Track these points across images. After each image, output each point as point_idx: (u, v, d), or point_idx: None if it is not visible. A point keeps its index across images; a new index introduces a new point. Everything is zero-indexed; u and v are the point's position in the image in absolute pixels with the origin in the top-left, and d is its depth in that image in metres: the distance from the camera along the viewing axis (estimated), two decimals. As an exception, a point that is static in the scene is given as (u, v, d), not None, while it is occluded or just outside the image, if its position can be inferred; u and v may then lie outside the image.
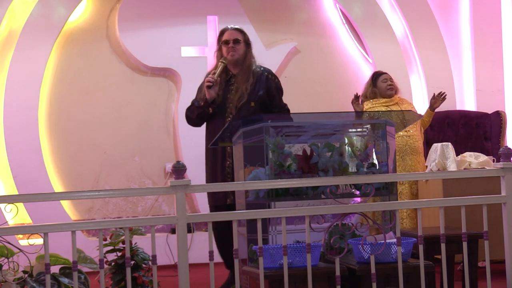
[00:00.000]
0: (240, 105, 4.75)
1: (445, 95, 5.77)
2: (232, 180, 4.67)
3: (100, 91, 6.70)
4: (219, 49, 4.87)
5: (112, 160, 6.66)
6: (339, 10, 7.14)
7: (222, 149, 4.75)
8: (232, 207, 4.54)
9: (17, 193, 6.11)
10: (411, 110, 4.89)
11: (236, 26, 4.91)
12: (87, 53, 6.67)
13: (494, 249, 4.04)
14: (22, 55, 6.35)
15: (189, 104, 4.96)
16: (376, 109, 5.70)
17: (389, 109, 5.68)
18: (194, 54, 6.81)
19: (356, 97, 5.79)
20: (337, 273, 3.37)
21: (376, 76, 5.94)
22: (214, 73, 4.70)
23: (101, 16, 6.72)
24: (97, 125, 6.66)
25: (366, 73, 7.12)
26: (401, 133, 5.64)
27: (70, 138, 6.60)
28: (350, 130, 4.13)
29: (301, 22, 7.08)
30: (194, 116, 4.83)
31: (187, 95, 6.73)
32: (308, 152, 3.97)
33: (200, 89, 4.88)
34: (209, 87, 4.67)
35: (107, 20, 6.74)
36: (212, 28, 6.85)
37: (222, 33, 4.88)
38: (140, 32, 6.72)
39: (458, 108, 6.91)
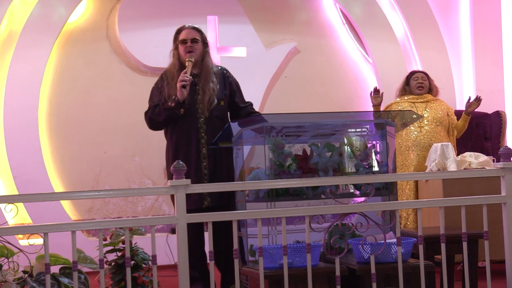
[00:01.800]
0: (212, 106, 4.64)
1: (481, 98, 5.85)
2: (209, 181, 4.58)
3: (100, 91, 6.69)
4: (175, 48, 4.73)
5: (112, 160, 6.66)
6: (339, 10, 7.14)
7: (196, 150, 4.61)
8: (208, 210, 4.40)
9: (17, 193, 6.11)
10: (410, 110, 4.90)
11: (194, 25, 4.78)
12: (87, 53, 6.67)
13: (494, 249, 4.03)
14: (22, 55, 6.35)
15: (148, 107, 4.76)
16: (400, 105, 5.84)
17: (414, 106, 5.81)
18: (194, 54, 6.80)
19: (376, 90, 5.81)
20: (337, 273, 3.37)
21: (411, 74, 6.09)
22: (185, 72, 4.55)
23: (101, 16, 6.72)
24: (97, 125, 6.66)
25: (366, 73, 7.12)
26: (412, 127, 5.70)
27: (70, 138, 6.60)
28: (350, 130, 4.13)
29: (301, 22, 7.08)
30: (162, 118, 4.64)
31: (187, 95, 6.74)
32: (308, 152, 3.98)
33: (157, 91, 4.69)
34: (184, 86, 4.51)
35: (107, 20, 6.74)
36: (212, 28, 6.85)
37: (178, 31, 4.74)
38: (140, 32, 6.72)
39: (458, 108, 6.90)
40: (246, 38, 6.90)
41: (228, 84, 4.79)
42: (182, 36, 4.70)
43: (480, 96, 5.86)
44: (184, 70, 4.57)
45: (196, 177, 4.55)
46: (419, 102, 5.87)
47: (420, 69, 6.97)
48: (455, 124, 5.93)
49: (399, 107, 5.82)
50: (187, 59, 4.61)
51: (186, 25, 4.77)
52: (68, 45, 6.62)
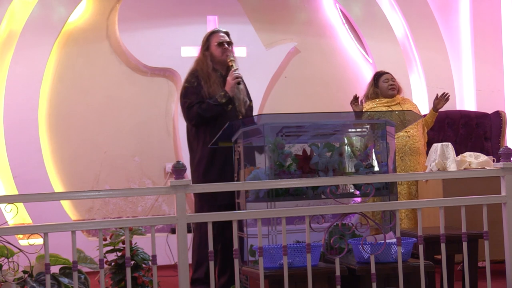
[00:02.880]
0: (245, 106, 4.82)
1: (448, 95, 5.77)
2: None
3: (100, 91, 6.69)
4: (207, 50, 4.88)
5: (112, 160, 6.66)
6: (339, 10, 7.14)
7: (228, 150, 4.62)
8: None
9: (17, 193, 6.10)
10: (411, 110, 4.89)
11: (225, 30, 5.00)
12: (87, 53, 6.67)
13: (494, 249, 4.04)
14: (22, 55, 6.34)
15: (187, 104, 4.79)
16: (378, 109, 5.68)
17: (390, 109, 5.67)
18: (194, 54, 6.76)
19: (355, 98, 5.74)
20: (337, 273, 3.37)
21: (378, 76, 5.93)
22: (236, 69, 4.74)
23: (101, 16, 6.72)
24: (97, 125, 6.66)
25: (366, 73, 7.12)
26: (400, 133, 5.64)
27: (70, 138, 6.60)
28: (350, 130, 4.13)
29: (301, 22, 7.08)
30: (210, 114, 4.70)
31: (187, 95, 6.74)
32: (308, 152, 3.98)
33: (193, 90, 4.76)
34: (239, 83, 4.72)
35: (107, 20, 6.73)
36: (212, 28, 6.84)
37: (211, 34, 4.93)
38: (140, 32, 6.72)
39: (458, 108, 6.90)
40: (246, 38, 6.90)
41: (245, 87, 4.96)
42: (217, 38, 4.87)
43: (447, 93, 5.78)
44: (234, 68, 4.75)
45: (231, 177, 4.54)
46: (394, 105, 5.77)
47: (420, 69, 6.98)
48: (424, 121, 5.89)
49: (377, 110, 5.71)
50: (230, 60, 4.81)
51: (220, 29, 4.98)
52: (68, 45, 6.62)
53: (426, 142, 5.92)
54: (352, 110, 5.81)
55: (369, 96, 5.88)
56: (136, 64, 6.76)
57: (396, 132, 4.72)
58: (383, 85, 5.84)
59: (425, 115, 5.92)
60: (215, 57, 4.85)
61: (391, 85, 5.82)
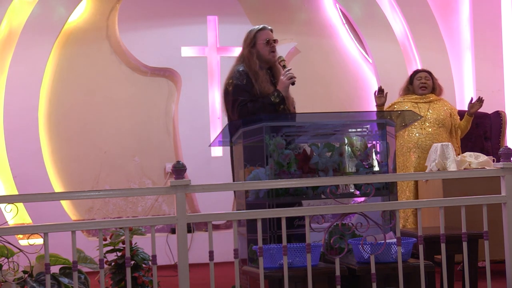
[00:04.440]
0: (293, 105, 4.77)
1: (483, 99, 5.84)
2: None
3: (100, 91, 6.70)
4: (253, 47, 4.75)
5: (112, 160, 6.66)
6: (339, 10, 7.14)
7: None
8: None
9: (17, 193, 6.11)
10: (411, 110, 4.89)
11: (271, 27, 4.86)
12: (87, 53, 6.68)
13: (494, 249, 4.04)
14: (22, 55, 6.35)
15: (239, 102, 4.65)
16: (404, 105, 5.81)
17: (416, 106, 5.78)
18: (194, 54, 6.81)
19: (380, 90, 5.75)
20: (337, 273, 3.37)
21: (414, 73, 6.05)
22: (289, 70, 4.65)
23: (101, 16, 6.72)
24: (97, 125, 6.66)
25: (366, 73, 7.12)
26: (414, 129, 5.69)
27: (70, 138, 6.60)
28: (350, 130, 4.13)
29: (301, 22, 7.08)
30: (263, 113, 4.58)
31: (187, 95, 6.75)
32: (308, 152, 3.98)
33: (245, 88, 4.66)
34: (294, 83, 4.64)
35: (107, 20, 6.74)
36: (212, 28, 6.85)
37: (258, 31, 4.79)
38: (140, 32, 6.72)
39: (458, 108, 6.89)
40: (246, 38, 6.89)
41: None
42: (265, 36, 4.75)
43: (482, 97, 5.85)
44: (288, 68, 4.68)
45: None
46: (422, 102, 5.84)
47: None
48: (458, 125, 5.93)
49: (402, 107, 5.79)
50: (281, 59, 4.73)
51: (267, 26, 4.84)
52: (68, 45, 6.62)
53: (459, 146, 5.92)
54: (376, 103, 5.74)
55: (402, 92, 5.99)
56: (136, 64, 6.77)
57: (397, 132, 4.73)
58: (415, 82, 5.95)
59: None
60: (261, 55, 4.72)
61: (423, 83, 5.90)
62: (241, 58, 4.79)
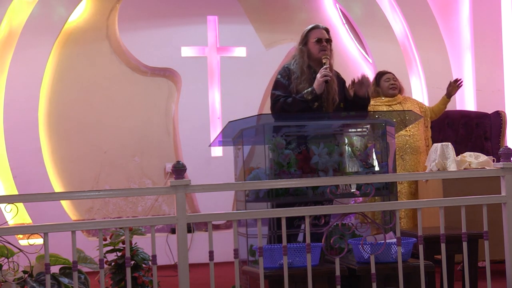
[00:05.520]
0: (334, 106, 4.63)
1: (462, 81, 5.82)
2: None
3: (100, 91, 6.70)
4: (304, 45, 4.70)
5: (112, 160, 6.66)
6: (339, 10, 7.14)
7: None
8: None
9: (17, 193, 6.10)
10: (411, 110, 4.89)
11: (326, 26, 4.79)
12: (87, 53, 6.67)
13: (494, 249, 4.04)
14: (22, 55, 6.35)
15: (274, 97, 4.65)
16: (378, 108, 5.70)
17: (391, 108, 5.70)
18: (194, 54, 6.81)
19: (353, 82, 5.72)
20: (337, 273, 3.37)
21: (380, 75, 5.96)
22: (326, 68, 4.55)
23: (101, 16, 6.72)
24: (97, 125, 6.66)
25: (366, 73, 7.11)
26: (402, 132, 5.65)
27: (70, 138, 6.60)
28: (350, 130, 4.13)
29: (301, 22, 7.07)
30: (295, 109, 4.55)
31: (187, 95, 6.75)
32: (308, 152, 3.98)
33: (283, 83, 4.65)
34: (327, 81, 4.52)
35: (107, 20, 6.74)
36: (212, 28, 6.85)
37: (310, 30, 4.73)
38: (140, 32, 6.72)
39: (458, 108, 6.90)
40: (246, 38, 6.90)
41: (342, 86, 4.78)
42: (316, 35, 4.69)
43: (460, 79, 5.81)
44: (325, 66, 4.57)
45: None
46: (395, 104, 5.80)
47: (420, 69, 6.98)
48: (430, 109, 5.90)
49: (378, 110, 5.71)
50: (323, 57, 4.63)
51: (320, 25, 4.78)
52: (68, 45, 6.62)
53: (430, 136, 5.92)
54: None
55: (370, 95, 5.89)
56: (136, 64, 6.76)
57: (397, 132, 4.72)
58: (384, 84, 5.87)
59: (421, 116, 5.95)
60: (312, 54, 4.67)
61: (392, 84, 5.84)
62: (293, 56, 4.76)
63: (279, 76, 4.68)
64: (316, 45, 4.66)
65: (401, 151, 5.69)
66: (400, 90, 5.90)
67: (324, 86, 4.51)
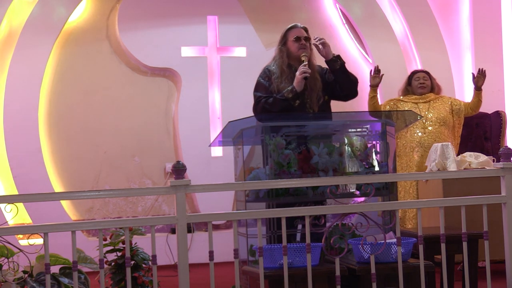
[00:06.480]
0: (319, 103, 4.67)
1: (485, 70, 5.80)
2: None
3: (100, 91, 6.70)
4: (284, 45, 4.76)
5: (112, 160, 6.66)
6: (339, 10, 7.14)
7: None
8: None
9: (17, 193, 6.11)
10: (411, 110, 4.89)
11: (304, 26, 4.85)
12: (87, 53, 6.68)
13: (494, 249, 4.03)
14: (22, 55, 6.35)
15: (256, 98, 4.68)
16: (404, 104, 5.83)
17: (417, 106, 5.80)
18: (194, 54, 6.81)
19: (376, 70, 5.74)
20: (337, 273, 3.37)
21: (412, 74, 6.08)
22: (305, 65, 4.60)
23: (101, 16, 6.72)
24: (97, 125, 6.66)
25: (366, 73, 7.11)
26: (416, 128, 5.70)
27: (70, 138, 6.60)
28: (350, 130, 4.13)
29: (301, 22, 7.03)
30: (276, 109, 4.59)
31: (187, 95, 6.75)
32: (308, 152, 3.98)
33: (264, 84, 4.68)
34: (306, 78, 4.56)
35: (107, 20, 6.74)
36: (212, 28, 6.85)
37: (289, 29, 4.79)
38: (140, 32, 6.72)
39: (458, 108, 6.90)
40: (246, 38, 6.90)
41: (326, 80, 4.80)
42: (295, 33, 4.76)
43: (483, 69, 5.80)
44: (304, 64, 4.62)
45: None
46: (422, 102, 5.85)
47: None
48: (465, 105, 5.91)
49: (403, 106, 5.80)
50: (302, 55, 4.68)
51: (298, 24, 4.84)
52: (68, 45, 6.62)
53: (459, 135, 5.95)
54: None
55: (401, 93, 6.02)
56: (136, 64, 6.77)
57: (397, 132, 4.73)
58: (414, 83, 5.98)
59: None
60: (291, 53, 4.72)
61: (421, 83, 5.93)
62: (274, 57, 4.82)
63: (259, 78, 4.73)
64: (295, 43, 4.72)
65: (411, 149, 5.74)
66: (433, 89, 5.96)
67: (304, 84, 4.57)
